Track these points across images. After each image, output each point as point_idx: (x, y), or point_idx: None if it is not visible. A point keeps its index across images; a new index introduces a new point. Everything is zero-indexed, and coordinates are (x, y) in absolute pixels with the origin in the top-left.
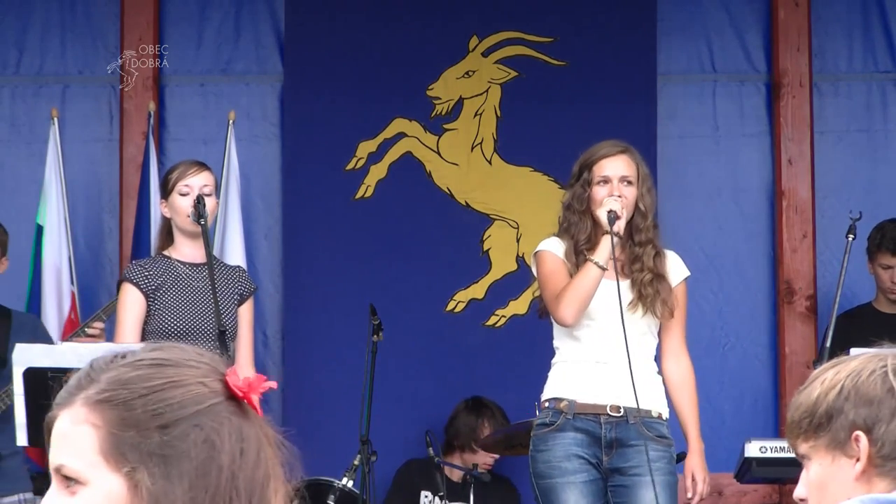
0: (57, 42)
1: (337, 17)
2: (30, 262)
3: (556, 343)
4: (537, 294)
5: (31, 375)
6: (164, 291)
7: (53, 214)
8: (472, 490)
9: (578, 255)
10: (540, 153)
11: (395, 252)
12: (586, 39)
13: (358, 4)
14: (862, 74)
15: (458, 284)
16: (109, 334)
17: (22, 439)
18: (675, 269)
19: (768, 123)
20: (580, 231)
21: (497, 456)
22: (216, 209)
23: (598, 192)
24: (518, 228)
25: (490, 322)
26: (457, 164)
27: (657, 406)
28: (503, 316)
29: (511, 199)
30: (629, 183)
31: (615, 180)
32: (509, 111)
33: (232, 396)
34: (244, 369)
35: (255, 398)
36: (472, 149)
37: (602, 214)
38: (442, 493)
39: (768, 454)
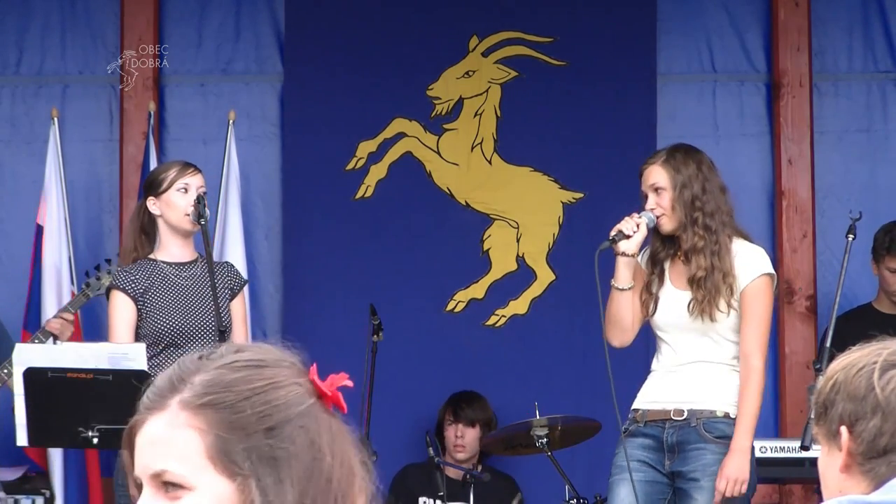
0: (57, 42)
1: (337, 17)
2: (30, 262)
3: None
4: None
5: (31, 375)
6: (152, 294)
7: (53, 214)
8: (472, 490)
9: (655, 265)
10: (540, 153)
11: (395, 252)
12: (586, 39)
13: (358, 4)
14: (862, 74)
15: (458, 284)
16: (94, 335)
17: (22, 439)
18: (746, 266)
19: (768, 123)
20: (654, 242)
21: (462, 435)
22: None
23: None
24: (518, 228)
25: (490, 322)
26: (457, 164)
27: (721, 405)
28: (503, 316)
29: (511, 199)
30: (660, 191)
31: (649, 192)
32: (509, 111)
33: (320, 395)
34: None
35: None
36: (472, 149)
37: (611, 234)
38: (442, 493)
39: (768, 454)
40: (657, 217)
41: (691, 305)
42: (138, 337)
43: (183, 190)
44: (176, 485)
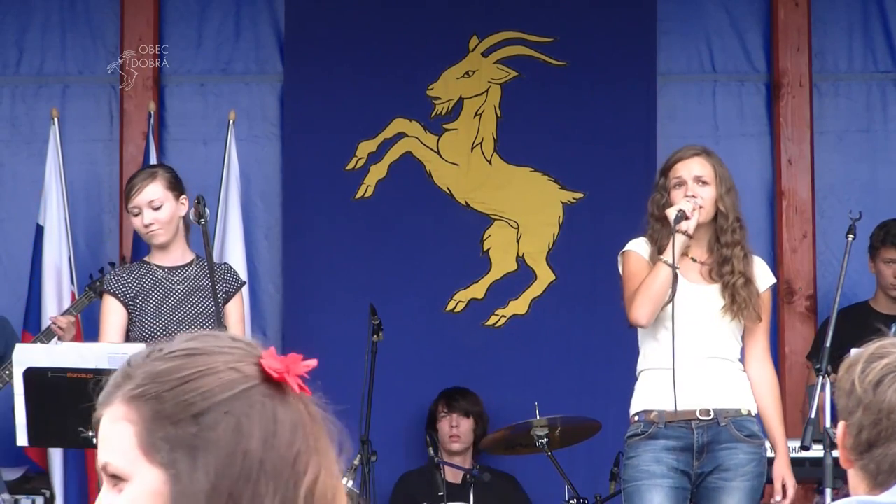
0: (57, 42)
1: (337, 18)
2: (30, 262)
3: (641, 348)
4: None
5: (31, 375)
6: (143, 298)
7: (53, 214)
8: (472, 490)
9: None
10: (540, 153)
11: (395, 252)
12: (586, 39)
13: (358, 5)
14: (862, 74)
15: (458, 284)
16: (94, 335)
17: (22, 439)
18: (763, 275)
19: (768, 123)
20: (663, 237)
21: (458, 425)
22: (173, 216)
23: (675, 195)
24: (518, 228)
25: (490, 322)
26: (457, 164)
27: (745, 403)
28: (503, 316)
29: (511, 199)
30: (704, 183)
31: (690, 181)
32: (509, 111)
33: (269, 379)
34: None
35: (293, 378)
36: (472, 149)
37: (671, 213)
38: (442, 493)
39: (768, 454)
40: (697, 207)
41: (727, 307)
42: (128, 340)
43: (135, 212)
44: (118, 477)
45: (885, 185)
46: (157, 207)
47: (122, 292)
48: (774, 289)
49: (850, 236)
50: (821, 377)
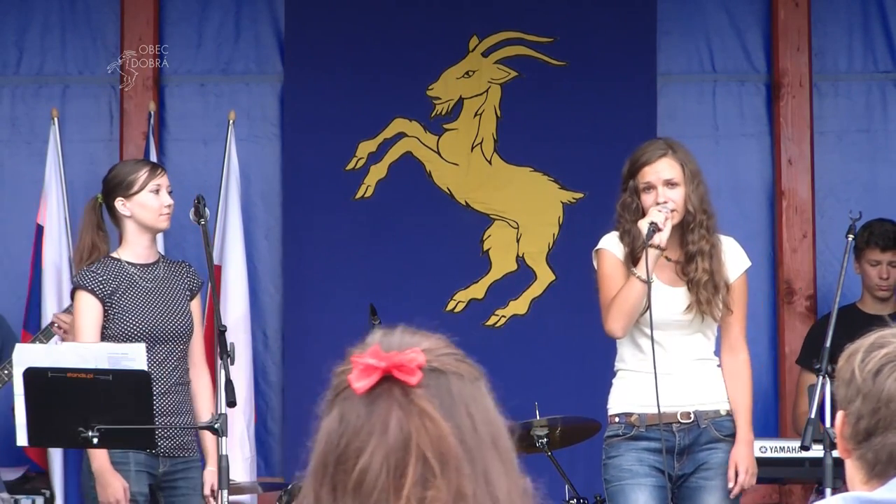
0: (57, 42)
1: (337, 18)
2: (30, 262)
3: (619, 348)
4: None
5: (31, 375)
6: (119, 295)
7: (53, 214)
8: None
9: (636, 263)
10: (540, 153)
11: (395, 252)
12: (586, 39)
13: (358, 5)
14: (862, 74)
15: (458, 284)
16: None
17: (22, 439)
18: (734, 260)
19: (768, 123)
20: (634, 239)
21: None
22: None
23: (646, 200)
24: (518, 228)
25: (490, 322)
26: (457, 164)
27: (723, 404)
28: (503, 316)
29: (511, 199)
30: (674, 185)
31: (659, 185)
32: (509, 111)
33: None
34: (199, 367)
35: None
36: (472, 149)
37: (643, 226)
38: None
39: (768, 454)
40: (669, 216)
41: (692, 306)
42: (104, 338)
43: (155, 191)
44: None
45: (885, 185)
46: (170, 192)
47: (100, 289)
48: (773, 289)
49: (850, 236)
50: (821, 377)
